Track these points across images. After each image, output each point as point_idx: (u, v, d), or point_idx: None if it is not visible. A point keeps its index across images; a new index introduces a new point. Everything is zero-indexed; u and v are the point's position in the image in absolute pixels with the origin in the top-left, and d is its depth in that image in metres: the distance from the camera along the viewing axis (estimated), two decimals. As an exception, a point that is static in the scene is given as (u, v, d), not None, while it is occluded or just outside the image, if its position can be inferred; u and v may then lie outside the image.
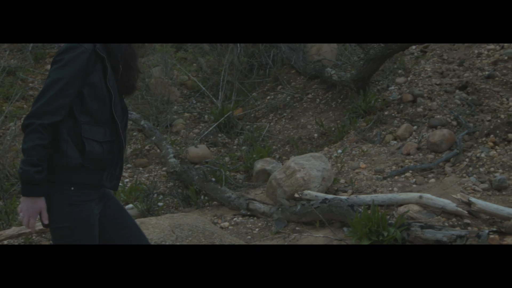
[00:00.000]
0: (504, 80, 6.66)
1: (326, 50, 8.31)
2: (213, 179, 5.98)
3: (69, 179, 2.54)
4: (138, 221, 4.82)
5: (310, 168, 5.35)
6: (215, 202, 5.67)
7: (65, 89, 2.47)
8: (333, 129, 6.88)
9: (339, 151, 6.25)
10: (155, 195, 6.00)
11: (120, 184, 6.15)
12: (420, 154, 5.80)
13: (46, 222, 2.51)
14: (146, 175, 6.70)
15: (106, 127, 2.63)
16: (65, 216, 2.53)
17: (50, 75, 2.50)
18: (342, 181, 5.59)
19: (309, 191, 5.09)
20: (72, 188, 2.54)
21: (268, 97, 8.15)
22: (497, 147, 5.54)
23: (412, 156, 5.80)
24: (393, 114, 6.64)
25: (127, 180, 6.54)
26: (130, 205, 5.72)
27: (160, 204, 5.89)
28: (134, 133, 7.59)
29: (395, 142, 6.22)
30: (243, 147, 7.03)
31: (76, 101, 2.53)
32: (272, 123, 7.57)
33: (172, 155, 6.40)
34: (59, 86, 2.46)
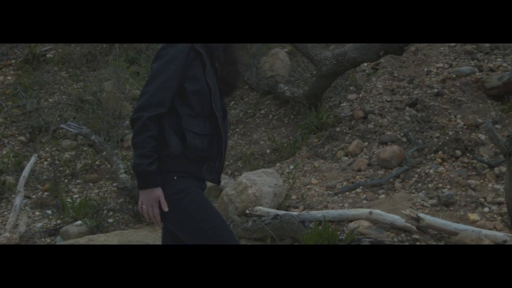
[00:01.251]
0: (452, 98, 6.80)
1: (279, 66, 8.36)
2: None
3: (172, 168, 2.63)
4: (86, 238, 4.74)
5: (261, 184, 5.34)
6: (166, 218, 5.59)
7: (168, 82, 2.60)
8: (285, 145, 6.90)
9: (291, 167, 6.27)
10: (105, 211, 5.90)
11: (68, 200, 6.08)
12: (371, 170, 5.86)
13: (166, 209, 2.59)
14: (96, 191, 6.59)
15: (206, 120, 2.70)
16: (176, 205, 2.62)
17: (153, 69, 2.63)
18: (293, 197, 5.60)
19: (260, 207, 5.08)
20: (175, 177, 2.63)
21: (219, 112, 8.14)
22: (445, 163, 5.64)
23: (363, 172, 5.86)
24: (344, 130, 6.71)
25: (76, 196, 6.42)
26: (79, 222, 5.61)
27: (110, 220, 5.80)
28: (85, 148, 7.47)
29: (346, 158, 6.27)
30: (196, 163, 6.98)
31: (177, 95, 2.64)
32: (224, 139, 7.55)
33: (123, 170, 6.32)
34: (163, 79, 2.59)
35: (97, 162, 7.15)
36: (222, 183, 6.02)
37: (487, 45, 7.96)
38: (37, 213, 6.17)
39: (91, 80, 8.78)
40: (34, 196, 6.50)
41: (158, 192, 2.57)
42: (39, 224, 5.89)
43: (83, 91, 8.58)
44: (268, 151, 7.01)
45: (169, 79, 2.59)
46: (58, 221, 5.91)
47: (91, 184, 6.78)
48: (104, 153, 6.77)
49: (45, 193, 6.57)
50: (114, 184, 6.59)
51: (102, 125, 7.70)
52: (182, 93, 2.64)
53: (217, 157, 2.78)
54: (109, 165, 6.75)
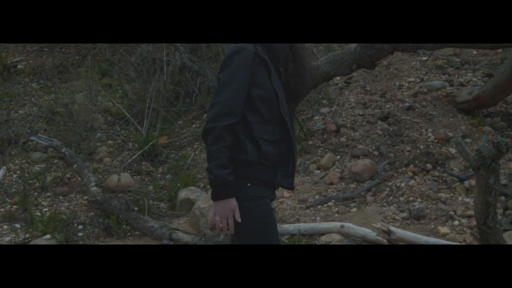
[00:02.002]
0: (424, 112, 6.87)
1: (252, 80, 8.35)
2: (136, 208, 5.86)
3: (247, 174, 2.65)
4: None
5: (234, 197, 5.31)
6: (137, 232, 5.55)
7: (238, 90, 2.61)
8: (257, 158, 6.88)
9: (264, 180, 6.25)
10: (75, 225, 5.81)
11: (38, 213, 5.98)
12: (343, 184, 5.88)
13: (239, 220, 2.59)
14: (66, 204, 6.50)
15: (275, 126, 2.71)
16: (245, 212, 2.62)
17: (221, 79, 2.64)
18: (266, 210, 5.57)
19: (232, 221, 5.04)
20: (249, 184, 2.65)
21: (194, 125, 8.10)
22: (416, 176, 5.68)
23: (335, 186, 5.87)
24: (317, 144, 6.72)
25: (46, 209, 6.32)
26: (48, 236, 5.52)
27: (80, 234, 5.71)
28: (55, 161, 7.37)
29: (318, 171, 6.28)
30: (168, 176, 6.93)
31: (246, 102, 2.65)
32: (197, 152, 7.51)
33: (93, 183, 6.24)
34: (232, 88, 2.60)
35: (68, 175, 7.05)
36: (194, 196, 5.99)
37: (457, 59, 8.06)
38: (5, 226, 6.05)
39: (62, 91, 8.68)
40: (2, 210, 6.38)
41: (234, 202, 2.59)
42: (7, 238, 5.78)
43: (54, 103, 8.47)
44: (241, 164, 6.99)
45: (238, 87, 2.61)
46: (27, 235, 5.81)
47: (61, 197, 6.68)
48: (75, 165, 6.67)
49: (14, 206, 6.45)
50: (85, 197, 6.50)
51: (73, 138, 7.60)
52: (249, 101, 2.66)
53: (290, 162, 2.80)
54: (80, 178, 6.67)
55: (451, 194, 5.39)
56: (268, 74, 2.70)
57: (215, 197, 2.60)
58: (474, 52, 8.15)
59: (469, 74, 7.65)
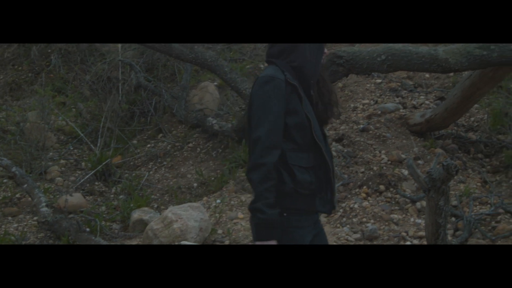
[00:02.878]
0: (377, 134, 6.94)
1: (209, 100, 8.34)
2: (87, 229, 5.76)
3: (282, 204, 2.56)
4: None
5: (187, 218, 5.28)
6: (88, 254, 5.43)
7: (276, 122, 2.56)
8: (212, 178, 6.86)
9: (218, 201, 6.22)
10: (24, 246, 5.68)
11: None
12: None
13: None
14: (16, 225, 6.33)
15: (309, 152, 2.66)
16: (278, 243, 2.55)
17: (257, 112, 2.57)
18: (219, 231, 5.54)
19: (185, 242, 5.01)
20: (285, 214, 2.57)
21: (149, 145, 8.03)
22: (369, 198, 5.73)
23: (289, 207, 5.86)
24: (272, 165, 6.71)
25: (-7, 230, 6.16)
26: (-5, 257, 5.37)
27: (29, 256, 5.57)
28: (4, 180, 7.19)
29: (273, 192, 6.27)
30: (121, 196, 6.84)
31: None
32: (151, 172, 7.44)
33: (44, 203, 6.12)
34: (271, 120, 2.54)
35: (18, 195, 6.88)
36: (147, 217, 5.92)
37: (410, 82, 8.20)
38: (-50, 248, 5.88)
39: (14, 109, 8.52)
40: None
41: (275, 244, 2.54)
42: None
43: (5, 121, 8.31)
44: (195, 184, 6.95)
45: (277, 119, 2.56)
46: (-27, 257, 5.64)
47: (10, 218, 6.51)
48: (25, 185, 6.54)
49: (-40, 227, 6.28)
50: (35, 218, 6.35)
51: (24, 157, 7.44)
52: (284, 128, 2.60)
53: (328, 188, 2.72)
54: (30, 198, 6.52)
55: (403, 215, 5.45)
56: (299, 100, 2.65)
57: (261, 238, 2.53)
58: (427, 75, 8.30)
59: (422, 97, 7.79)
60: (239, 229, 5.52)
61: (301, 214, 2.64)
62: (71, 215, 6.19)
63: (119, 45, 9.17)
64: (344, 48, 5.75)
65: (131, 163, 7.71)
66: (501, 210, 5.32)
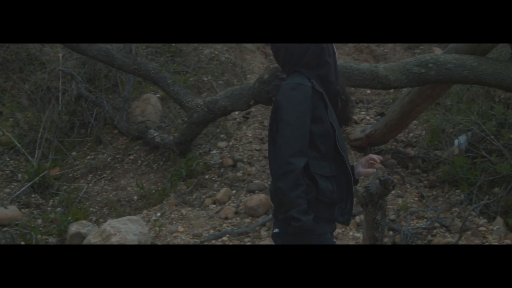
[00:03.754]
0: (319, 148, 7.00)
1: (151, 112, 8.26)
2: (22, 242, 5.59)
3: None
4: None
5: (126, 232, 5.20)
6: (21, 268, 5.27)
7: (303, 128, 2.54)
8: (153, 191, 6.78)
9: (158, 214, 6.15)
10: (-46, 260, 5.46)
11: None
12: (238, 218, 5.87)
13: None
14: None
15: (331, 161, 2.66)
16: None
17: (284, 118, 2.53)
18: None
19: (123, 256, 4.91)
20: None
21: (88, 157, 7.87)
22: (309, 212, 5.75)
23: (230, 220, 5.85)
24: (213, 178, 6.70)
25: None
26: None
27: (-41, 270, 5.36)
28: None
29: (214, 205, 6.25)
30: (58, 209, 6.67)
31: None
32: (90, 184, 7.29)
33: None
34: (298, 126, 2.52)
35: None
36: (85, 230, 5.79)
37: (352, 98, 8.32)
38: None
39: None
40: None
41: None
42: None
43: None
44: (135, 197, 6.84)
45: (303, 125, 2.54)
46: None
47: None
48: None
49: None
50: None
51: (-43, 167, 7.20)
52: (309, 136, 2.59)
53: (348, 198, 2.71)
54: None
55: (343, 229, 5.49)
56: (325, 108, 2.64)
57: (299, 242, 2.52)
58: (368, 91, 8.44)
59: (362, 112, 7.91)
60: (179, 243, 5.46)
61: (321, 222, 2.63)
62: (5, 229, 5.99)
63: (60, 54, 8.99)
64: (286, 63, 5.78)
65: (70, 175, 7.54)
66: (437, 224, 5.44)
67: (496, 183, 5.80)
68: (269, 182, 6.33)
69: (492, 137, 6.15)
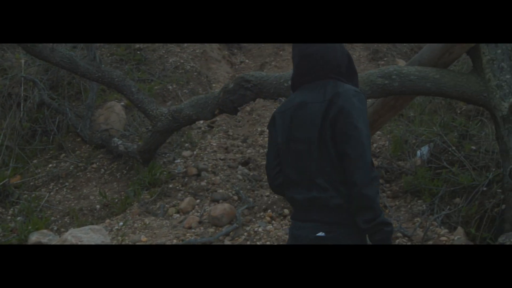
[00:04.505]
0: (283, 158, 7.01)
1: (115, 120, 8.18)
2: (-20, 252, 5.46)
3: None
4: None
5: (88, 241, 5.12)
6: (-21, 279, 5.15)
7: (370, 136, 2.61)
8: (116, 200, 6.70)
9: (121, 223, 6.07)
10: None
11: None
12: (202, 228, 5.83)
13: None
14: None
15: None
16: None
17: (358, 126, 2.54)
18: (121, 255, 5.40)
19: (85, 266, 4.84)
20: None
21: (50, 165, 7.75)
22: (273, 221, 5.76)
23: (193, 230, 5.81)
24: (177, 187, 6.65)
25: None
26: None
27: None
28: None
29: (178, 215, 6.20)
30: (18, 218, 6.54)
31: None
32: (52, 193, 7.17)
33: None
34: (368, 135, 2.57)
35: None
36: (46, 240, 5.69)
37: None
38: None
39: None
40: None
41: None
42: None
43: None
44: (98, 206, 6.75)
45: (370, 134, 2.61)
46: None
47: None
48: None
49: None
50: None
51: None
52: None
53: None
54: None
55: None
56: None
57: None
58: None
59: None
60: (141, 253, 5.39)
61: None
62: (-38, 238, 5.87)
63: (22, 60, 8.86)
64: (252, 73, 5.80)
65: (31, 183, 7.41)
66: (399, 234, 5.48)
67: (457, 194, 5.87)
68: (234, 192, 6.33)
69: (454, 148, 6.24)
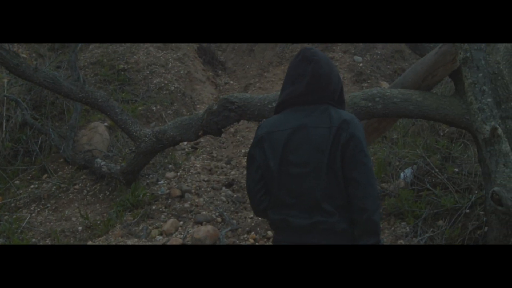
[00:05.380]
0: (267, 180, 7.00)
1: (98, 140, 8.14)
2: (-41, 275, 5.37)
3: None
4: None
5: (69, 263, 5.05)
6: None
7: None
8: (98, 222, 6.63)
9: (103, 245, 6.01)
10: None
11: None
12: (185, 250, 5.78)
13: None
14: None
15: None
16: None
17: (366, 153, 2.63)
18: (103, 277, 5.33)
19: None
20: None
21: (32, 186, 7.67)
22: (257, 243, 5.73)
23: (176, 252, 5.76)
24: (161, 209, 6.61)
25: None
26: None
27: None
28: None
29: (161, 237, 6.15)
30: (-1, 239, 6.46)
31: None
32: (34, 214, 7.09)
33: None
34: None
35: None
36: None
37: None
38: None
39: None
40: None
41: None
42: None
43: None
44: (80, 228, 6.68)
45: None
46: None
47: None
48: None
49: None
50: None
51: None
52: None
53: None
54: None
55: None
56: None
57: None
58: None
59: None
60: (123, 275, 5.33)
61: None
62: None
63: (5, 80, 8.81)
64: (236, 94, 5.80)
65: (12, 204, 7.33)
66: (383, 257, 5.47)
67: (440, 216, 5.89)
68: (217, 213, 6.30)
69: (437, 170, 6.27)
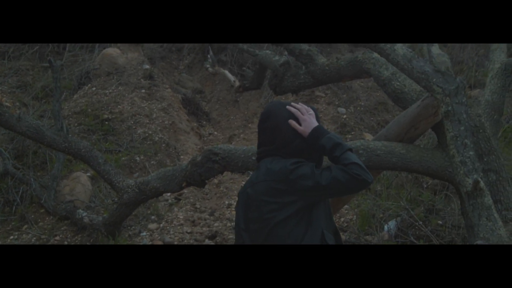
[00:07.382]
0: (250, 231, 6.94)
1: (80, 191, 8.06)
2: None
3: None
4: None
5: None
6: None
7: None
8: (78, 274, 6.50)
9: (82, 299, 5.88)
10: None
11: None
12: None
13: None
14: None
15: None
16: None
17: (310, 181, 2.71)
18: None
19: None
20: None
21: (11, 237, 7.53)
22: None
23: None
24: (142, 261, 6.51)
25: None
26: None
27: None
28: None
29: None
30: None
31: None
32: (12, 266, 6.94)
33: None
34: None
35: None
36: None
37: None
38: None
39: None
40: None
41: None
42: None
43: None
44: (59, 280, 6.55)
45: None
46: None
47: None
48: None
49: None
50: None
51: None
52: None
53: None
54: None
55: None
56: None
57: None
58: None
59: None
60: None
61: None
62: None
63: (-12, 130, 8.77)
64: (220, 145, 5.80)
65: (-10, 256, 7.17)
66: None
67: (425, 269, 5.85)
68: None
69: (421, 222, 6.26)
